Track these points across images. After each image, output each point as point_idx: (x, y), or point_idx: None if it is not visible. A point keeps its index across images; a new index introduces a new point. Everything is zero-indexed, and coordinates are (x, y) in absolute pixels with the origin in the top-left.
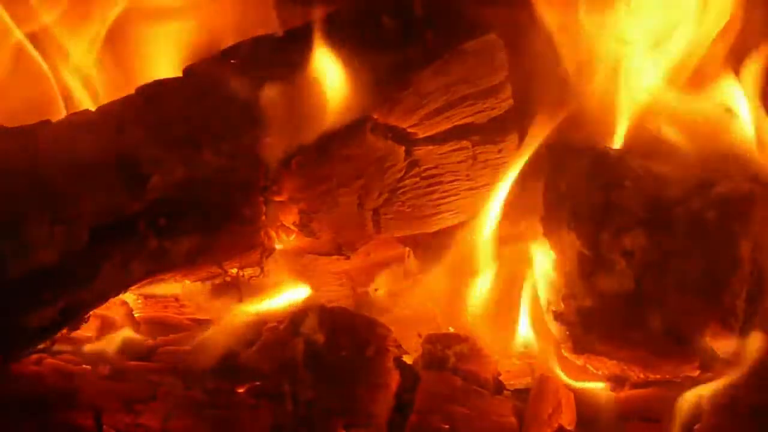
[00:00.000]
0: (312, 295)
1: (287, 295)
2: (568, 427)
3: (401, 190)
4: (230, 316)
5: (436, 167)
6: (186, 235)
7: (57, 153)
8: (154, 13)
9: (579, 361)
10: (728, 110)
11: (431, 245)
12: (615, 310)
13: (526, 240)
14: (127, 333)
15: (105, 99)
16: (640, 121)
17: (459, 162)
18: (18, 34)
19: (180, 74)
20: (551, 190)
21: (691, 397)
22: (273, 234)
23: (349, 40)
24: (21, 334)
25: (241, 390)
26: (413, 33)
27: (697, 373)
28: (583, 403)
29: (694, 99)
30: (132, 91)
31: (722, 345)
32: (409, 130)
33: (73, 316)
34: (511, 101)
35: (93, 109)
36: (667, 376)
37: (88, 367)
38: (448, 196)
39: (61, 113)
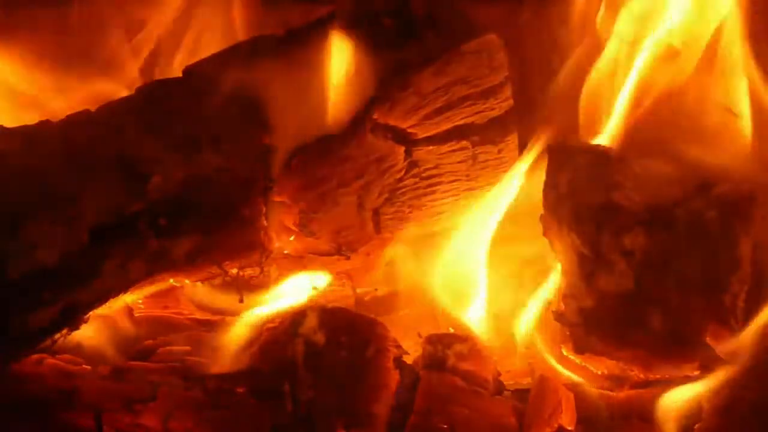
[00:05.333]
0: (312, 295)
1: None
2: (568, 427)
3: (401, 190)
4: (230, 317)
5: (436, 167)
6: (186, 235)
7: (57, 153)
8: None
9: (579, 361)
10: (727, 110)
11: (431, 245)
12: (615, 310)
13: (526, 240)
14: (127, 333)
15: None
16: (641, 121)
17: (459, 162)
18: None
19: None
20: (551, 190)
21: (691, 397)
22: (273, 234)
23: (349, 41)
24: (21, 335)
25: (241, 390)
26: (413, 33)
27: (697, 373)
28: (583, 403)
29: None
30: None
31: (722, 345)
32: (409, 130)
33: (73, 316)
34: (511, 101)
35: None
36: (667, 376)
37: (88, 367)
38: (448, 196)
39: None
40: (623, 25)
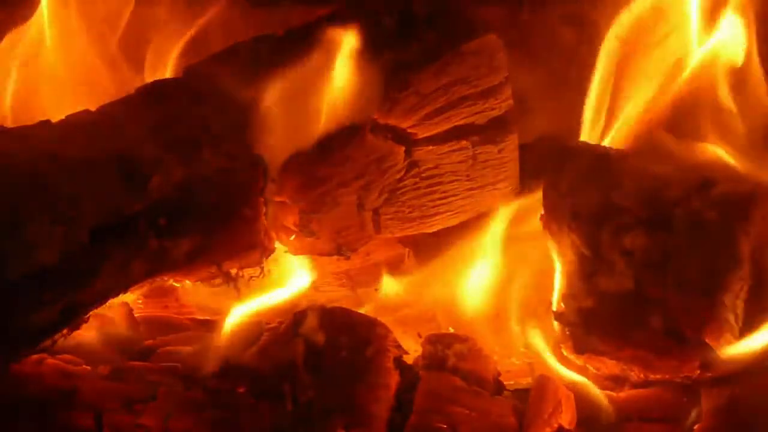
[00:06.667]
0: (312, 295)
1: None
2: (568, 427)
3: (401, 190)
4: (230, 317)
5: (436, 167)
6: (186, 235)
7: (57, 153)
8: None
9: (579, 361)
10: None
11: (431, 245)
12: (615, 310)
13: (526, 240)
14: (127, 333)
15: None
16: (640, 122)
17: (459, 162)
18: None
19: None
20: (551, 190)
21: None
22: (273, 234)
23: (349, 41)
24: (21, 335)
25: (241, 390)
26: (413, 33)
27: (697, 373)
28: (583, 403)
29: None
30: None
31: (722, 345)
32: (409, 130)
33: (73, 317)
34: (511, 101)
35: None
36: (667, 376)
37: (88, 367)
38: (448, 196)
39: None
40: (623, 25)
